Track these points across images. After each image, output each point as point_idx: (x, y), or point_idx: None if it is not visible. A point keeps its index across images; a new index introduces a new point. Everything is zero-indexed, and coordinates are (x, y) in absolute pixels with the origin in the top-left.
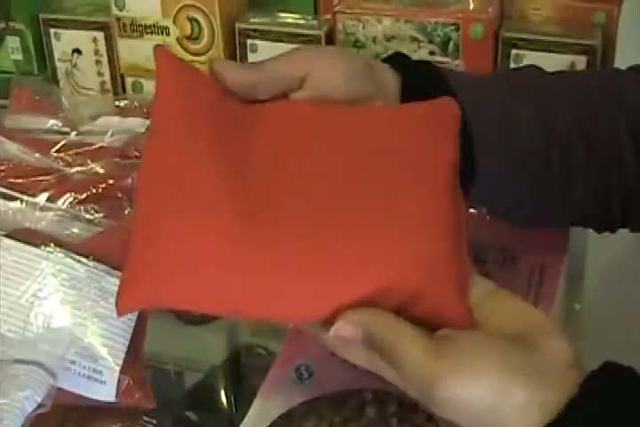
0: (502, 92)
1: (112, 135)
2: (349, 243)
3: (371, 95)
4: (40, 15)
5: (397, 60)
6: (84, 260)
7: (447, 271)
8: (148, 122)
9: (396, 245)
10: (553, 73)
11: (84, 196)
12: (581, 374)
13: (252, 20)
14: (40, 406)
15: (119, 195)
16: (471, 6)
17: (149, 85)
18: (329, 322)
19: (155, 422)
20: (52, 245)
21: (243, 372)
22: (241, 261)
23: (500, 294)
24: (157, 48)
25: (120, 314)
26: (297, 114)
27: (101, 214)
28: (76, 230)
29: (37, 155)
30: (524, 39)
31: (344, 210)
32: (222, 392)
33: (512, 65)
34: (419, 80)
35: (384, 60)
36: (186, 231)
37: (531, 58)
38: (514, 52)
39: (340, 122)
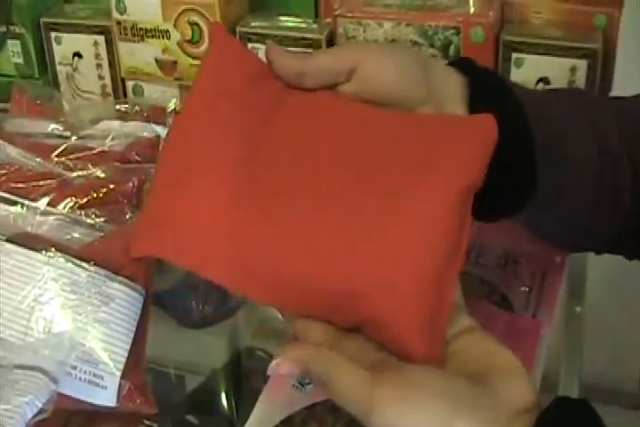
0: (561, 107)
1: (113, 139)
2: (336, 242)
3: (421, 97)
4: (41, 19)
5: (464, 66)
6: (84, 265)
7: (416, 307)
8: (148, 126)
9: (370, 262)
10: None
11: (84, 200)
12: (533, 422)
13: (253, 24)
14: (41, 411)
15: (120, 199)
16: (472, 10)
17: (150, 89)
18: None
19: (155, 426)
20: (53, 249)
21: (244, 375)
22: (237, 227)
23: (474, 335)
24: (215, 24)
25: (132, 256)
26: (328, 106)
27: (102, 219)
28: (76, 235)
29: (38, 159)
30: (524, 43)
31: (338, 210)
32: (223, 396)
33: (513, 69)
34: (487, 89)
35: (449, 64)
36: (196, 196)
37: (531, 61)
38: (514, 55)
39: (367, 122)
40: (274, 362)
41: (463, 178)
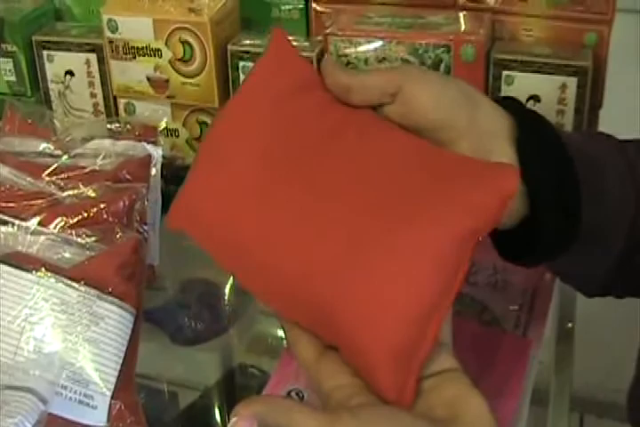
0: (603, 152)
1: (104, 158)
2: (324, 258)
3: (461, 127)
4: (33, 37)
5: (509, 104)
6: (75, 284)
7: (390, 342)
8: (139, 145)
9: (352, 289)
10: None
11: (75, 220)
12: None
13: (244, 42)
14: None
15: (111, 219)
16: (462, 28)
17: (142, 107)
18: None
19: None
20: (44, 269)
21: (237, 392)
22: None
23: (452, 376)
24: (276, 29)
25: (170, 226)
26: (363, 126)
27: (93, 238)
28: (67, 255)
29: (29, 178)
30: (515, 60)
31: (337, 228)
32: (217, 413)
33: (503, 86)
34: (534, 130)
35: (495, 100)
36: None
37: (522, 79)
38: (505, 73)
39: (394, 148)
40: (230, 422)
41: (469, 222)
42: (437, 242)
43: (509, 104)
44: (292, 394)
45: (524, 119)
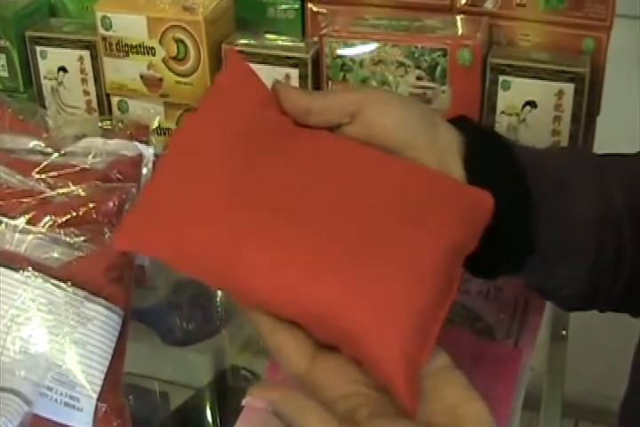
0: (562, 163)
1: (94, 157)
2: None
3: (423, 148)
4: (26, 33)
5: (461, 123)
6: (62, 285)
7: (394, 326)
8: (131, 144)
9: (353, 281)
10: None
11: (64, 219)
12: None
13: (239, 42)
14: None
15: (100, 219)
16: (459, 32)
17: (135, 105)
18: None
19: None
20: (31, 269)
21: (228, 393)
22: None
23: (450, 375)
24: (231, 51)
25: (117, 248)
26: (326, 146)
27: (82, 238)
28: (55, 255)
29: (18, 176)
30: (511, 65)
31: (330, 239)
32: (208, 414)
33: (499, 91)
34: (484, 150)
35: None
36: (186, 204)
37: (518, 85)
38: (501, 78)
39: (366, 167)
40: (247, 398)
41: (455, 235)
42: (434, 251)
43: (462, 123)
44: None
45: (476, 137)
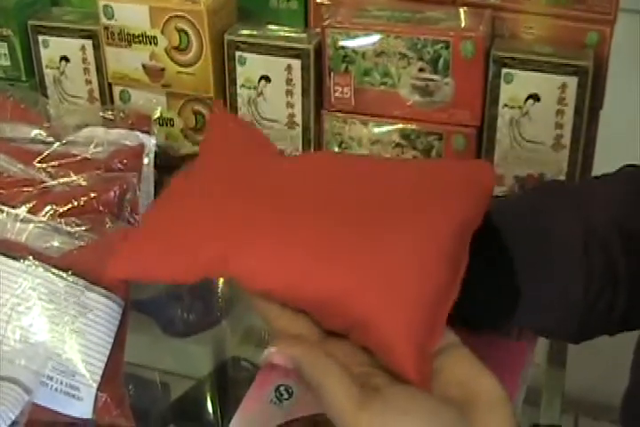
0: (533, 196)
1: (96, 147)
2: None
3: None
4: (28, 22)
5: None
6: (63, 274)
7: (404, 310)
8: (132, 133)
9: (357, 267)
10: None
11: (65, 208)
12: None
13: (241, 32)
14: (14, 423)
15: (101, 208)
16: (462, 24)
17: (137, 95)
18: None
19: None
20: (32, 258)
21: (229, 384)
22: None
23: (459, 352)
24: (215, 101)
25: (110, 278)
26: (326, 159)
27: (82, 228)
28: (56, 244)
29: (20, 165)
30: (515, 58)
31: (340, 232)
32: (208, 405)
33: (502, 84)
34: None
35: None
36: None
37: (521, 78)
38: (504, 71)
39: (365, 164)
40: (267, 351)
41: (461, 213)
42: (442, 234)
43: None
44: (281, 389)
45: None
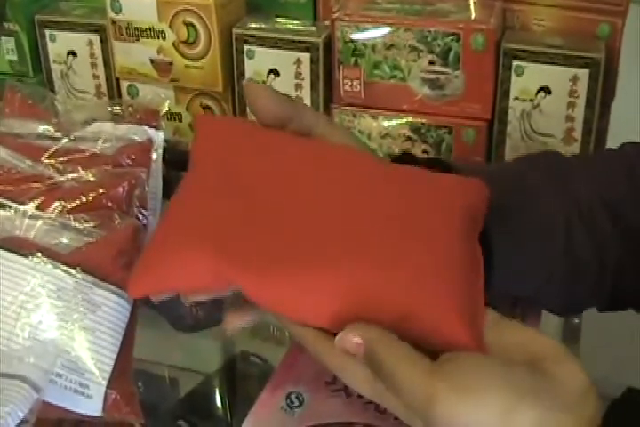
0: (518, 167)
1: (104, 142)
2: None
3: None
4: (35, 16)
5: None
6: (72, 271)
7: (438, 292)
8: (141, 128)
9: (384, 262)
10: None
11: (73, 204)
12: (598, 400)
13: (250, 26)
14: (23, 421)
15: (110, 204)
16: (472, 16)
17: (144, 90)
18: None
19: None
20: (40, 255)
21: (238, 380)
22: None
23: (505, 324)
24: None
25: (133, 296)
26: (326, 156)
27: (91, 224)
28: (64, 240)
29: (28, 161)
30: (525, 50)
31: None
32: (218, 400)
33: (513, 77)
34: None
35: (393, 160)
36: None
37: (532, 70)
38: (515, 63)
39: (364, 169)
40: (341, 334)
41: (465, 207)
42: (452, 228)
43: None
44: (292, 397)
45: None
